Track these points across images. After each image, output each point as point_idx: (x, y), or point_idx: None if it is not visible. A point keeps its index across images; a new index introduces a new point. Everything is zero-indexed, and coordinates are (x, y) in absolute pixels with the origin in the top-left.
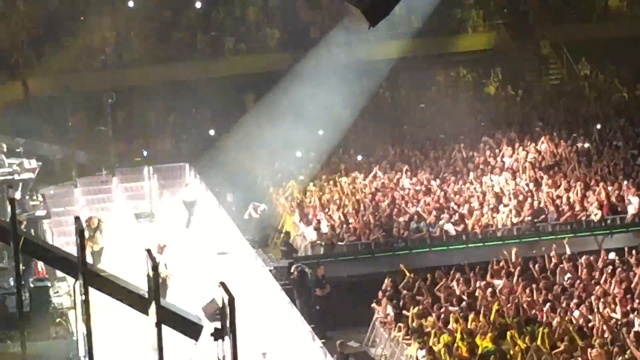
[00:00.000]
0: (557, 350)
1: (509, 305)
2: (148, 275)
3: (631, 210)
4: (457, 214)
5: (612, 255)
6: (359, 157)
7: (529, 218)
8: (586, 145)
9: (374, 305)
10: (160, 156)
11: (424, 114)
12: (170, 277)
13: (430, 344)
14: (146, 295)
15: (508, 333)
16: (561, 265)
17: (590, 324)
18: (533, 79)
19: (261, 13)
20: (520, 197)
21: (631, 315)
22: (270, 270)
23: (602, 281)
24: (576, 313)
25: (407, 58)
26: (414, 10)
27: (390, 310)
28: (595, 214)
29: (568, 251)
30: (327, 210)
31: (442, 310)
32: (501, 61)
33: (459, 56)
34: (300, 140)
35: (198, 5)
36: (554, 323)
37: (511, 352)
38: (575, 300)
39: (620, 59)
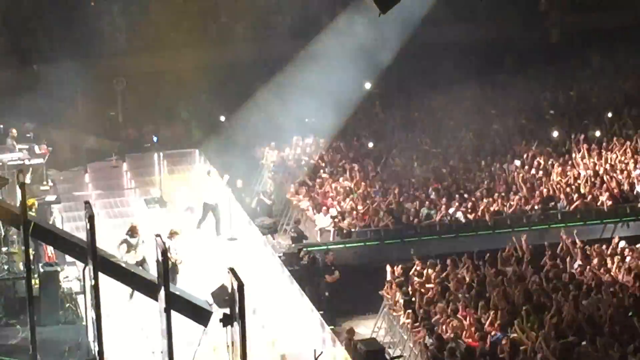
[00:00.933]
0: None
1: (518, 293)
2: (157, 261)
3: None
4: (467, 202)
5: (622, 244)
6: (370, 144)
7: (539, 206)
8: (597, 133)
9: (383, 292)
10: (171, 142)
11: (433, 102)
12: (180, 263)
13: (439, 331)
14: (155, 281)
15: (516, 321)
16: (571, 253)
17: (599, 312)
18: (542, 67)
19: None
20: (530, 185)
21: None
22: (280, 257)
23: (612, 269)
24: (585, 302)
25: (417, 45)
26: None
27: (399, 297)
28: (605, 202)
29: (578, 239)
30: (337, 197)
31: (452, 297)
32: (510, 49)
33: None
34: (310, 126)
35: None
36: (563, 311)
37: (520, 340)
38: (584, 288)
39: (629, 47)
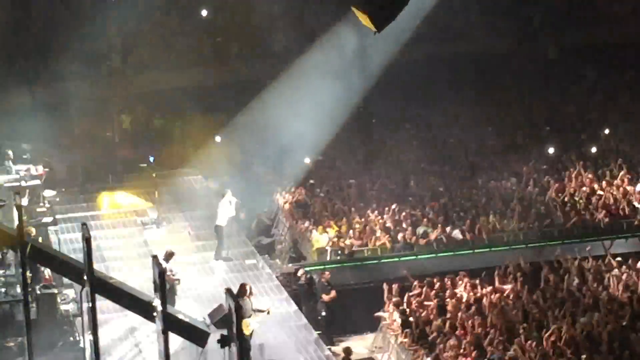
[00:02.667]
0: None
1: (515, 310)
2: (155, 282)
3: None
4: (464, 220)
5: (618, 260)
6: (365, 161)
7: (536, 223)
8: (593, 149)
9: (380, 313)
10: (167, 162)
11: (430, 117)
12: (178, 284)
13: (437, 350)
14: (153, 302)
15: (515, 339)
16: (568, 270)
17: (597, 330)
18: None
19: (266, 19)
20: (526, 202)
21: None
22: (277, 277)
23: (609, 286)
24: (583, 319)
25: (411, 61)
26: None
27: (396, 316)
28: (602, 219)
29: (574, 256)
30: (334, 216)
31: (449, 315)
32: (506, 65)
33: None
34: (307, 145)
35: (204, 13)
36: (561, 329)
37: (519, 358)
38: (581, 307)
39: (625, 63)
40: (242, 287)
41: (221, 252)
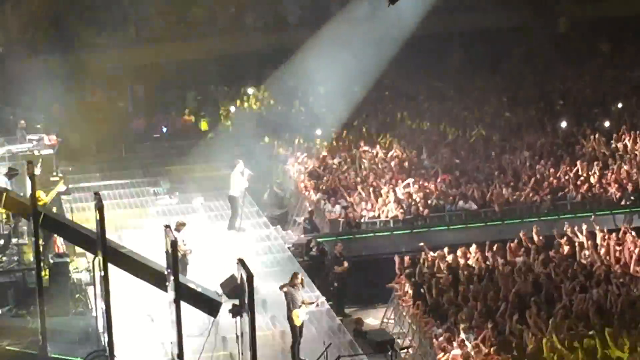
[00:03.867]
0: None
1: (527, 283)
2: (167, 252)
3: None
4: (476, 192)
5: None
6: (378, 133)
7: (549, 196)
8: (606, 123)
9: (392, 284)
10: (180, 133)
11: (441, 90)
12: (189, 254)
13: (449, 322)
14: (165, 272)
15: (527, 311)
16: (580, 244)
17: (609, 303)
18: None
19: None
20: (539, 175)
21: None
22: (289, 248)
23: (621, 260)
24: (595, 292)
25: (425, 34)
26: None
27: (408, 288)
28: (615, 193)
29: (586, 230)
30: (346, 187)
31: (461, 287)
32: (520, 39)
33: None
34: (320, 116)
35: None
36: (573, 302)
37: (530, 330)
38: (594, 279)
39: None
40: (294, 276)
41: (234, 222)
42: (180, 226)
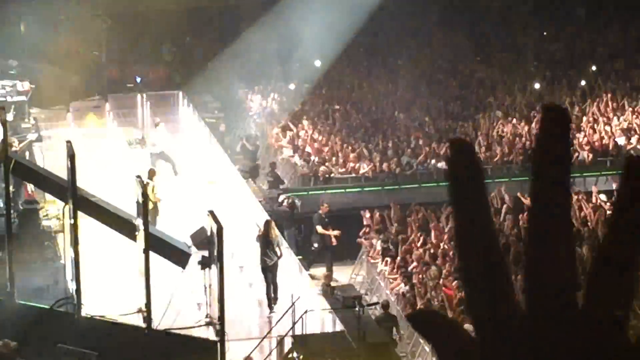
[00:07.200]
0: None
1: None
2: (137, 202)
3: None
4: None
5: (602, 197)
6: (353, 92)
7: (521, 157)
8: (582, 82)
9: (361, 240)
10: (153, 84)
11: (416, 50)
12: (160, 203)
13: (415, 280)
14: (135, 222)
15: None
16: None
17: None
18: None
19: None
20: (511, 136)
21: None
22: (260, 201)
23: (591, 222)
24: None
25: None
26: None
27: (377, 244)
28: (587, 156)
29: None
30: (318, 141)
31: (429, 246)
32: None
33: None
34: (294, 71)
35: None
36: None
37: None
38: None
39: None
40: (267, 224)
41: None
42: (151, 175)
